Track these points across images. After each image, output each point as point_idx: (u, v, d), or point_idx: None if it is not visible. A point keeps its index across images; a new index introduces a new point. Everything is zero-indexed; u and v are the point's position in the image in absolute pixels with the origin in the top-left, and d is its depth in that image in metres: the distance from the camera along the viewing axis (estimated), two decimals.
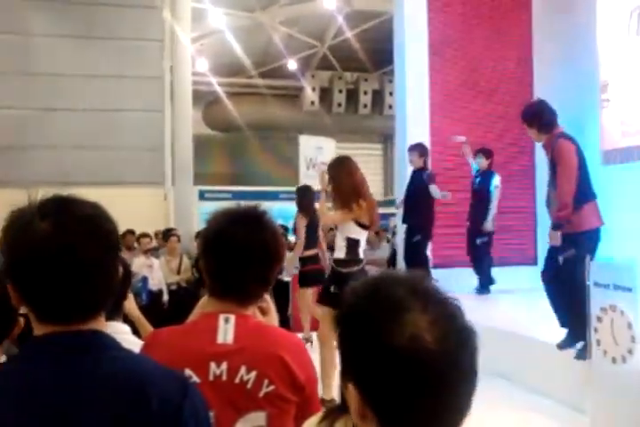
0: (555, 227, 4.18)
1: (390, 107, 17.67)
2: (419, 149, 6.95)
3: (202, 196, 12.23)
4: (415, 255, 6.83)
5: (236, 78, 18.29)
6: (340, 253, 4.52)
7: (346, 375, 0.89)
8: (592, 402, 3.41)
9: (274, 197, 12.31)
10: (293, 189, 7.42)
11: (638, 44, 6.52)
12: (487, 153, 7.10)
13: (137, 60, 11.44)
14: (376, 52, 16.57)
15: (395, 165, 18.15)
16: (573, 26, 7.42)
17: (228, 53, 16.77)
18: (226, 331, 1.63)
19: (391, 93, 17.67)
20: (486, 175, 7.04)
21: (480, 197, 7.00)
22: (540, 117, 4.41)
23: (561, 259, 4.15)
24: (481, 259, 7.05)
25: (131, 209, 10.64)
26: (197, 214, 11.11)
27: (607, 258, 4.28)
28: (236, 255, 1.65)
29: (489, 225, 6.94)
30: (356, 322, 0.89)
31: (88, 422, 1.11)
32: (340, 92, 18.02)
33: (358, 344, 0.87)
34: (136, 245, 9.21)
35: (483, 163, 7.08)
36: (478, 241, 6.97)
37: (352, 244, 4.48)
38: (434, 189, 6.65)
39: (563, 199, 4.18)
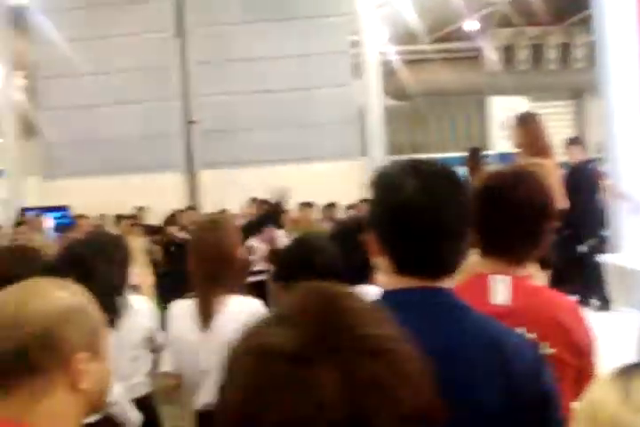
0: None
1: (580, 60, 16.50)
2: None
3: None
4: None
5: (412, 46, 18.03)
6: None
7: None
8: None
9: (463, 162, 12.07)
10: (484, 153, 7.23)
11: None
12: None
13: (323, 37, 11.72)
14: (560, 1, 15.49)
15: (588, 122, 17.09)
16: None
17: (403, 21, 16.56)
18: (502, 292, 1.63)
19: (580, 45, 16.50)
20: None
21: None
22: None
23: None
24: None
25: (330, 182, 11.09)
26: None
27: None
28: (507, 208, 1.67)
29: None
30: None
31: (473, 366, 1.18)
32: (524, 48, 17.10)
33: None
34: None
35: None
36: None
37: None
38: None
39: None
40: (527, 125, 4.50)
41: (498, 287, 1.63)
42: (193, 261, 2.68)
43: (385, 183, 1.30)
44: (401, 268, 1.28)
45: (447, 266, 1.29)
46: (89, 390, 1.18)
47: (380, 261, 1.33)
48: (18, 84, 13.73)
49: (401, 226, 1.25)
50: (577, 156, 6.27)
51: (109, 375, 1.28)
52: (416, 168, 1.28)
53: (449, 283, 1.32)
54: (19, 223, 8.47)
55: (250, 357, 0.69)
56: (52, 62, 12.47)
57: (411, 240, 1.25)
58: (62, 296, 1.20)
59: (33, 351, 1.12)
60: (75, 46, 12.16)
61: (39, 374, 1.13)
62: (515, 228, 1.67)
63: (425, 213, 1.23)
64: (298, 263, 2.10)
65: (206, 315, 2.58)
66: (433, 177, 1.27)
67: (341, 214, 9.90)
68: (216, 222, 2.85)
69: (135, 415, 2.73)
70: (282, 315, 0.73)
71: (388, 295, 1.30)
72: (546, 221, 1.71)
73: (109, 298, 2.72)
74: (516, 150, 4.74)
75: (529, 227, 1.68)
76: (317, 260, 2.08)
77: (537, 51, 17.11)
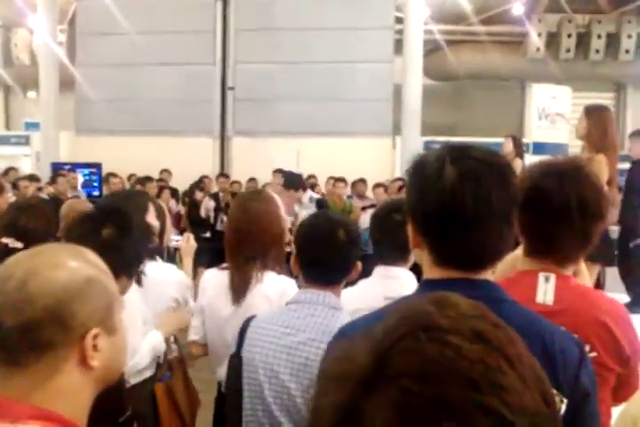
0: None
1: (627, 51, 16.07)
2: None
3: (427, 146, 12.17)
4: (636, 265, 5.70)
5: (456, 26, 17.67)
6: None
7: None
8: None
9: (499, 149, 11.87)
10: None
11: None
12: None
13: (366, 11, 11.54)
14: None
15: (633, 116, 16.72)
16: None
17: (450, 0, 16.23)
18: (546, 291, 1.58)
19: (630, 36, 16.05)
20: None
21: None
22: None
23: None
24: None
25: (359, 159, 11.02)
26: None
27: None
28: (554, 210, 1.59)
29: None
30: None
31: None
32: (570, 36, 16.64)
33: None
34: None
35: None
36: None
37: None
38: None
39: None
40: (594, 117, 4.37)
41: (543, 285, 1.59)
42: (231, 234, 2.61)
43: (423, 171, 1.24)
44: (441, 259, 1.24)
45: (488, 257, 1.24)
46: (101, 367, 1.11)
47: (420, 254, 1.29)
48: (59, 39, 13.72)
49: (440, 216, 1.19)
50: (638, 150, 5.92)
51: (124, 352, 1.21)
52: (455, 155, 1.21)
53: (489, 275, 1.28)
54: (53, 178, 8.53)
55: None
56: (94, 19, 12.42)
57: (451, 230, 1.19)
58: (76, 266, 1.09)
59: (43, 327, 1.04)
60: (117, 4, 12.09)
61: (49, 351, 1.06)
62: (562, 228, 1.60)
63: (464, 202, 1.17)
64: (319, 237, 2.06)
65: (239, 290, 2.53)
66: (473, 164, 1.20)
67: (369, 192, 9.83)
68: (259, 194, 2.76)
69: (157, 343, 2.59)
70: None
71: (429, 285, 1.24)
72: (596, 222, 1.63)
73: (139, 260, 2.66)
74: (578, 142, 4.67)
75: (578, 228, 1.60)
76: (340, 234, 2.05)
77: (583, 39, 16.69)
